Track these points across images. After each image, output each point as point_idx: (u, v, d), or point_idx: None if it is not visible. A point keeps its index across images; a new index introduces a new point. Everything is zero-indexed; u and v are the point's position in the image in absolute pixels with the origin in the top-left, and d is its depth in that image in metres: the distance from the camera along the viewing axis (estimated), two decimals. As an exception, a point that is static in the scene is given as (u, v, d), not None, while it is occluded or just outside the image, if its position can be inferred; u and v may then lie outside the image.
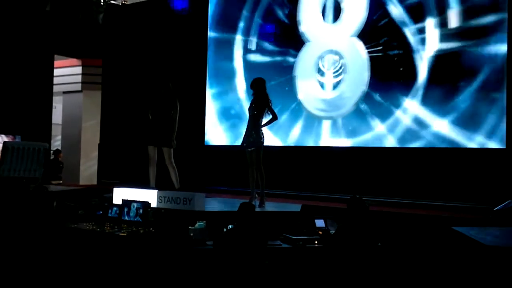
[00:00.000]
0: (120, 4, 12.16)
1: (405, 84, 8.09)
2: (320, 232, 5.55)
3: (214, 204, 7.30)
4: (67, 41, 12.10)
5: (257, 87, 7.09)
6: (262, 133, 7.06)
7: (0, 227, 5.93)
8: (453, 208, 7.06)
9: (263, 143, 7.05)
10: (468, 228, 5.40)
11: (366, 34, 8.59)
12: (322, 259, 4.87)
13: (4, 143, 8.59)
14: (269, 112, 7.06)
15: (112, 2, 12.08)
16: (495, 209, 6.18)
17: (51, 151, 11.92)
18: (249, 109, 7.17)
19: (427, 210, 7.02)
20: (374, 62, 8.47)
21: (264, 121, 7.08)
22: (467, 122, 7.51)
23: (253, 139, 7.02)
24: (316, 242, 5.41)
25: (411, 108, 8.00)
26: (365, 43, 8.59)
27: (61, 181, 11.66)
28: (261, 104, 7.04)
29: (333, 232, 5.23)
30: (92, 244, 5.61)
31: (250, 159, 7.07)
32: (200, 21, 10.62)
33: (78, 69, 13.08)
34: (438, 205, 7.25)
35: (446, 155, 7.68)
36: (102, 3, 11.73)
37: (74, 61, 13.11)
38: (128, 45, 11.91)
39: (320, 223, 5.72)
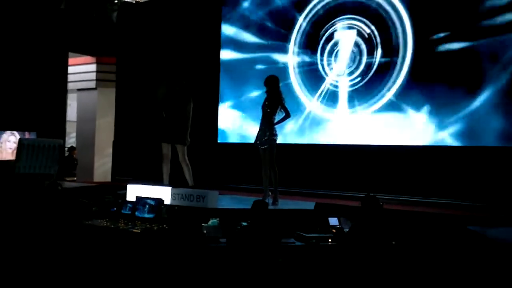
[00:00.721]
0: (134, 2, 12.21)
1: (419, 82, 8.02)
2: (334, 230, 5.53)
3: (227, 202, 7.30)
4: (82, 39, 12.17)
5: (270, 85, 7.08)
6: (276, 131, 7.05)
7: (15, 223, 5.98)
8: (468, 207, 7.00)
9: (276, 140, 7.04)
10: (484, 228, 5.35)
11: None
12: (336, 258, 4.85)
13: (20, 140, 8.67)
14: (282, 110, 7.04)
15: (126, 0, 12.15)
16: None
17: (66, 148, 12.01)
18: (262, 107, 7.15)
19: (442, 208, 6.97)
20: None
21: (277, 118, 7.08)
22: (483, 120, 7.43)
23: (266, 137, 7.01)
24: (329, 240, 5.39)
25: (425, 106, 7.94)
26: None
27: (75, 178, 11.76)
28: (274, 102, 7.02)
29: (347, 230, 5.21)
30: (106, 240, 5.64)
31: (264, 157, 7.06)
32: (214, 18, 10.62)
33: (93, 67, 13.15)
34: (453, 204, 7.19)
35: (461, 154, 7.61)
36: (116, 1, 11.80)
37: (89, 58, 13.18)
38: (142, 42, 11.94)
39: (333, 221, 5.70)
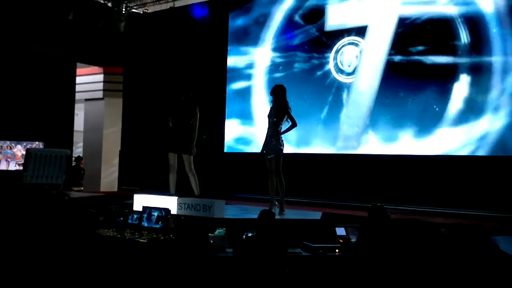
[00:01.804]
0: (141, 12, 12.29)
1: (439, 89, 7.99)
2: (341, 241, 5.49)
3: (234, 211, 7.28)
4: (89, 49, 12.24)
5: (277, 94, 7.07)
6: (282, 140, 7.04)
7: (22, 233, 5.99)
8: (480, 217, 6.95)
9: (282, 150, 7.02)
10: (496, 238, 5.29)
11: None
12: (343, 268, 4.81)
13: (27, 150, 8.71)
14: (288, 119, 7.03)
15: (134, 10, 12.22)
16: None
17: (73, 158, 12.04)
18: (268, 116, 7.15)
19: (450, 218, 6.92)
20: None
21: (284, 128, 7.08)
22: (496, 131, 7.38)
23: (272, 146, 7.00)
24: (336, 250, 5.35)
25: (436, 114, 7.92)
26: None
27: (82, 188, 11.76)
28: (281, 111, 7.02)
29: (354, 240, 5.17)
30: (112, 250, 5.63)
31: (270, 166, 7.04)
32: (221, 30, 10.66)
33: (100, 77, 13.21)
34: (463, 214, 7.14)
35: (471, 163, 7.57)
36: (123, 12, 11.88)
37: (96, 69, 13.25)
38: (149, 53, 12.02)
39: (341, 231, 5.66)
